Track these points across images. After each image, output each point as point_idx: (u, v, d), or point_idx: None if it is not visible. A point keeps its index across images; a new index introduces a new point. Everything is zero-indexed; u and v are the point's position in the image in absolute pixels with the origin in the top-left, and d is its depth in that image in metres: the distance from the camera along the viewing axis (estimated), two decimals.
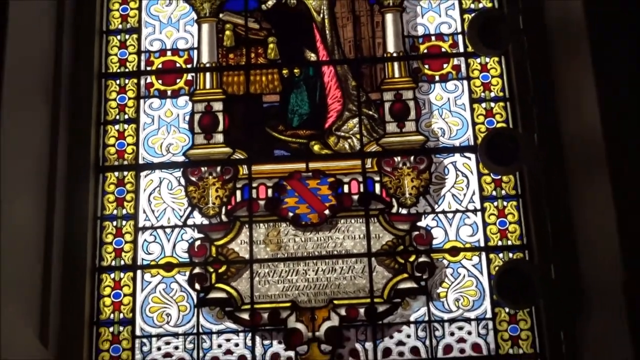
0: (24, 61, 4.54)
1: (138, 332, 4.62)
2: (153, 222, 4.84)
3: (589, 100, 4.22)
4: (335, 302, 4.60)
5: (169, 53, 5.16)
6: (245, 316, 4.60)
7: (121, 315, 4.63)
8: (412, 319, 4.59)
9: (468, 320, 4.56)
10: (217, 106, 5.01)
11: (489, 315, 4.56)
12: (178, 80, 5.08)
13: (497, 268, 4.53)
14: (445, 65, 5.07)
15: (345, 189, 4.82)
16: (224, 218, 4.80)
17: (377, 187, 4.82)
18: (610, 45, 4.23)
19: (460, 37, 5.14)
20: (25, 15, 4.55)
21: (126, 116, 5.05)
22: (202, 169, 4.89)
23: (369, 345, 4.51)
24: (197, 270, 4.70)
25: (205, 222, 4.80)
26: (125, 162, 4.96)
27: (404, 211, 4.77)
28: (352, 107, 4.99)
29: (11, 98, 4.30)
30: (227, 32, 5.12)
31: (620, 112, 4.13)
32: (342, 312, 4.57)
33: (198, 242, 4.75)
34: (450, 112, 5.00)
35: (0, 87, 4.23)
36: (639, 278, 3.78)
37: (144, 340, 4.60)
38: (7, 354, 3.96)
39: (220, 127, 4.98)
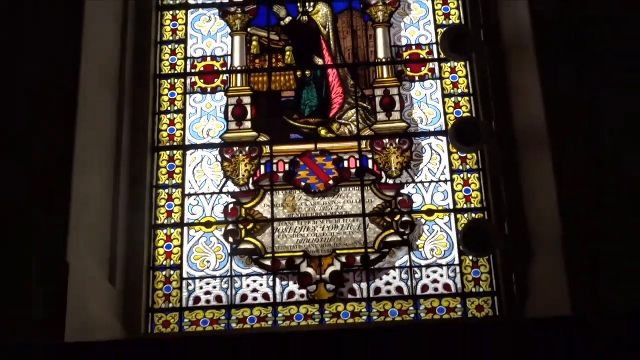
0: (95, 67, 4.71)
1: (185, 275, 4.83)
2: (196, 190, 5.04)
3: (535, 96, 4.45)
4: (338, 252, 4.82)
5: (208, 59, 5.35)
6: (268, 263, 4.82)
7: (172, 262, 4.87)
8: (397, 265, 4.80)
9: (441, 265, 4.79)
10: (246, 100, 5.20)
11: (457, 262, 4.80)
12: (216, 80, 5.27)
13: (463, 225, 4.77)
14: (423, 69, 5.28)
15: (345, 164, 5.03)
16: (251, 187, 4.99)
17: (370, 163, 5.02)
18: (552, 53, 4.42)
19: (435, 46, 5.30)
20: (96, 31, 4.72)
21: (175, 108, 5.25)
22: (234, 149, 5.08)
23: (363, 285, 4.75)
24: (230, 227, 4.90)
25: (237, 190, 5.00)
26: (175, 144, 5.15)
27: (390, 181, 4.98)
28: (351, 101, 5.18)
29: (86, 94, 4.46)
30: (254, 43, 5.31)
31: (560, 106, 4.32)
32: (343, 259, 4.80)
33: (231, 206, 4.96)
34: (427, 104, 5.19)
35: (77, 87, 4.40)
36: (574, 233, 3.99)
37: (190, 281, 4.81)
38: (85, 293, 4.17)
39: (249, 116, 5.17)
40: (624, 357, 3.72)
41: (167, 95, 5.28)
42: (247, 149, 5.12)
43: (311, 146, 5.12)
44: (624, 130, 4.25)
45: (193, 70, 5.33)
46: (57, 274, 4.01)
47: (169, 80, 5.31)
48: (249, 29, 5.42)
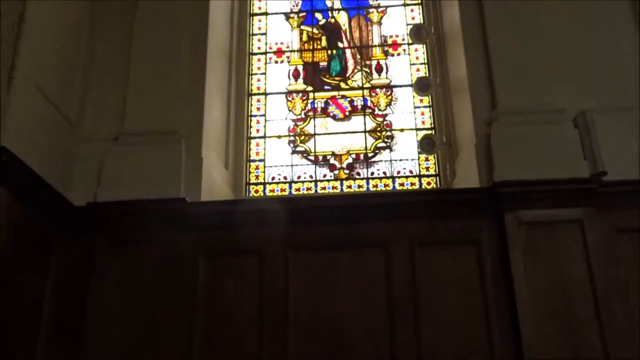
0: (216, 44, 4.60)
1: (267, 164, 4.72)
2: (272, 117, 4.91)
3: (460, 55, 4.32)
4: (350, 151, 4.73)
5: (279, 44, 5.15)
6: (312, 158, 4.74)
7: (259, 157, 4.75)
8: (383, 159, 4.69)
9: (407, 159, 4.67)
10: (300, 67, 5.06)
11: (416, 157, 4.66)
12: (283, 56, 5.12)
13: (420, 137, 4.61)
14: (398, 49, 5.06)
15: (355, 103, 4.90)
16: (302, 116, 4.89)
17: (369, 102, 4.90)
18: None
19: (405, 36, 5.03)
20: (217, 20, 4.64)
21: (261, 71, 5.05)
22: (293, 94, 4.97)
23: (364, 170, 4.66)
24: (291, 138, 4.81)
25: (295, 117, 4.90)
26: (260, 91, 4.99)
27: (380, 112, 4.86)
28: (358, 67, 5.05)
29: (211, 65, 4.38)
30: (304, 34, 5.17)
31: (479, 69, 4.12)
32: (354, 156, 4.71)
33: (291, 126, 4.86)
34: (401, 69, 4.99)
35: (205, 62, 4.31)
36: (481, 141, 3.94)
37: (269, 168, 4.71)
38: (212, 174, 4.22)
39: (301, 76, 5.04)
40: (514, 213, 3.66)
41: (255, 64, 5.17)
42: (300, 94, 5.03)
43: (336, 93, 5.01)
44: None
45: (270, 50, 5.22)
46: (194, 163, 4.00)
47: (257, 57, 5.19)
48: (301, 26, 5.27)
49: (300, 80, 5.04)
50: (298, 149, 4.81)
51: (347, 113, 4.89)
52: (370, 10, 5.23)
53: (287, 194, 4.61)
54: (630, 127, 3.84)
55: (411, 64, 5.01)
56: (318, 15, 5.23)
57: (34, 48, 3.47)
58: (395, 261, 3.63)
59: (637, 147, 3.78)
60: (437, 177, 4.58)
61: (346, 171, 4.70)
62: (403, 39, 5.08)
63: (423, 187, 4.57)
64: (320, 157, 4.76)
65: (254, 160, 4.78)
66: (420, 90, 4.75)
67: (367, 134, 4.80)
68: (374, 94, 4.95)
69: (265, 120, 4.92)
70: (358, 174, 4.68)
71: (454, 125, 4.58)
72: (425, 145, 4.56)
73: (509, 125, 3.89)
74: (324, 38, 5.16)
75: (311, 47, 5.12)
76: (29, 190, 3.31)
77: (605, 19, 4.22)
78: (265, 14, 5.27)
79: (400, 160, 4.70)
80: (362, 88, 4.97)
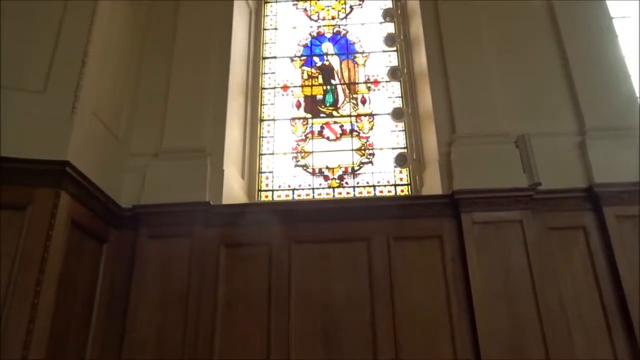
0: (235, 77, 4.55)
1: (275, 175, 4.68)
2: (279, 139, 4.85)
3: (427, 92, 4.30)
4: (340, 165, 4.68)
5: (285, 81, 5.12)
6: (310, 170, 4.70)
7: (268, 170, 4.70)
8: (366, 172, 4.65)
9: (385, 172, 4.63)
10: (301, 99, 5.04)
11: (392, 170, 4.62)
12: (288, 91, 5.08)
13: (395, 154, 4.64)
14: (378, 86, 5.04)
15: (344, 127, 4.88)
16: (303, 137, 4.87)
17: (355, 126, 4.89)
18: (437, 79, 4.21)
19: (385, 76, 5.01)
20: (237, 62, 4.61)
21: (270, 102, 5.01)
22: (296, 120, 4.93)
23: (351, 180, 4.62)
24: (294, 154, 4.76)
25: (297, 138, 4.87)
26: (270, 118, 4.95)
27: (364, 134, 4.85)
28: (347, 100, 5.03)
29: (233, 92, 4.39)
30: (305, 73, 5.16)
31: (444, 101, 4.13)
32: (343, 169, 4.67)
33: (294, 144, 4.82)
34: (380, 101, 4.97)
35: (227, 89, 4.29)
36: (443, 157, 3.95)
37: (277, 178, 4.66)
38: (231, 183, 4.18)
39: (303, 106, 5.02)
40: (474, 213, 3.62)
41: (266, 97, 5.12)
42: (301, 120, 5.00)
43: (329, 119, 4.98)
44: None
45: (278, 86, 5.17)
46: (217, 174, 3.97)
47: (267, 90, 5.15)
48: (302, 67, 5.25)
49: (302, 109, 5.01)
50: (299, 163, 4.77)
51: (338, 135, 4.87)
52: (357, 55, 5.24)
53: (291, 199, 4.57)
54: (559, 146, 3.94)
55: (388, 97, 4.98)
56: (316, 59, 5.23)
57: (93, 83, 3.44)
58: (375, 251, 3.62)
59: (564, 162, 3.88)
60: (409, 186, 4.56)
61: (337, 181, 4.66)
62: (382, 78, 5.08)
63: (397, 193, 4.54)
64: (317, 170, 4.72)
65: (265, 172, 4.74)
66: (395, 117, 4.76)
67: (353, 151, 4.78)
68: (359, 121, 4.91)
69: (274, 141, 4.87)
70: (347, 183, 4.64)
71: (422, 145, 4.55)
72: (399, 160, 4.56)
73: (465, 145, 3.91)
74: (320, 76, 5.15)
75: (310, 84, 5.12)
76: (86, 194, 3.32)
77: (538, 64, 4.28)
78: (274, 57, 5.27)
79: (380, 172, 4.67)
80: (350, 116, 4.94)
